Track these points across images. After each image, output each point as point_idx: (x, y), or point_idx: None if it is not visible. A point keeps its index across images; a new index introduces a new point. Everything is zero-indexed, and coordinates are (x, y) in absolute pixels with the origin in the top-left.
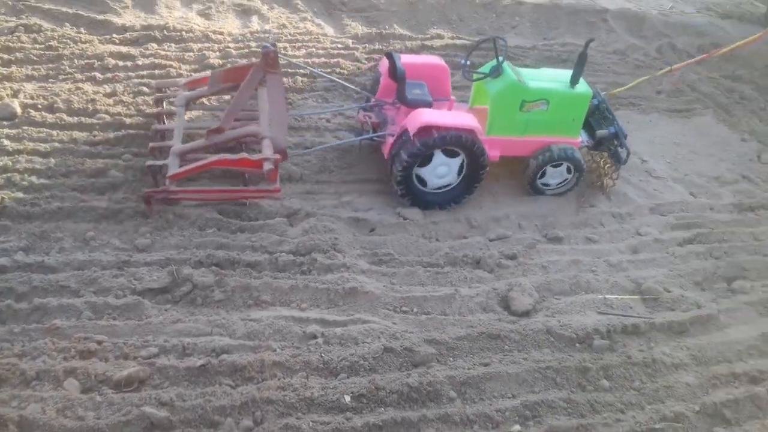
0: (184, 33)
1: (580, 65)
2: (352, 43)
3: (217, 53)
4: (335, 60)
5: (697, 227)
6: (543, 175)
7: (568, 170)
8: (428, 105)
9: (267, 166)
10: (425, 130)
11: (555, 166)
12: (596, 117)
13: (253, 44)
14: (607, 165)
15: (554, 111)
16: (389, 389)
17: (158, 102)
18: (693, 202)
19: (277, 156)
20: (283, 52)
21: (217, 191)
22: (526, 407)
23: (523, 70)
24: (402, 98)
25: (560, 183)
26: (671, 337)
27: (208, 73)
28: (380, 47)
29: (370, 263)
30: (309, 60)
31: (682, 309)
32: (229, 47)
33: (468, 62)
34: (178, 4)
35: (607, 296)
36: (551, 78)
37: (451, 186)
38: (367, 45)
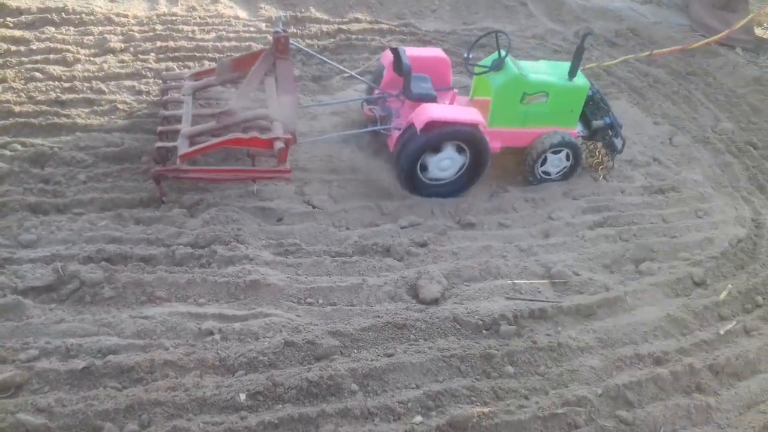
0: (84, 15)
1: (577, 58)
2: (266, 26)
3: (120, 37)
4: (246, 44)
5: (608, 210)
6: (544, 162)
7: (567, 157)
8: (433, 99)
9: (278, 144)
10: (431, 124)
11: (555, 153)
12: (591, 107)
13: (159, 27)
14: (602, 154)
15: (553, 103)
16: (288, 385)
17: (164, 92)
18: (604, 186)
19: (288, 136)
20: (191, 35)
21: (228, 171)
22: (429, 397)
23: (523, 63)
24: (408, 93)
25: (559, 171)
26: (578, 321)
27: (214, 64)
28: (295, 31)
29: (274, 254)
30: (219, 44)
31: (590, 292)
32: (133, 30)
33: (471, 56)
34: None
35: (516, 281)
36: (550, 71)
37: (450, 180)
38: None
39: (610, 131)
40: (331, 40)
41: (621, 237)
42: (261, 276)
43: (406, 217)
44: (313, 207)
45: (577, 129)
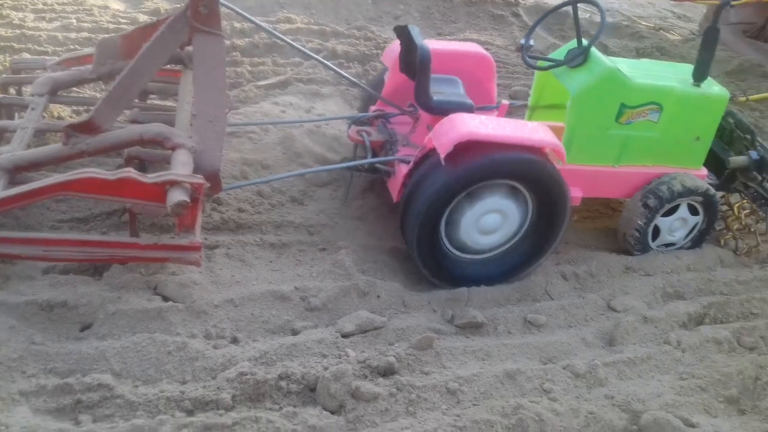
0: None
1: (708, 49)
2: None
3: None
4: (99, 36)
5: (709, 294)
6: (658, 233)
7: (693, 211)
8: (468, 110)
9: (175, 198)
10: (466, 147)
11: (667, 214)
12: (721, 136)
13: None
14: (745, 212)
15: (669, 123)
16: None
17: (4, 87)
18: (695, 254)
19: (200, 180)
20: (17, 21)
21: (72, 242)
22: None
23: (616, 60)
24: (424, 99)
25: (689, 233)
26: None
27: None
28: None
29: (53, 415)
30: (61, 35)
31: None
32: None
33: (531, 42)
34: None
35: None
36: (661, 71)
37: (504, 249)
38: None
39: (758, 173)
40: (246, 39)
41: (740, 342)
42: None
43: (354, 313)
44: (165, 300)
45: (705, 171)
